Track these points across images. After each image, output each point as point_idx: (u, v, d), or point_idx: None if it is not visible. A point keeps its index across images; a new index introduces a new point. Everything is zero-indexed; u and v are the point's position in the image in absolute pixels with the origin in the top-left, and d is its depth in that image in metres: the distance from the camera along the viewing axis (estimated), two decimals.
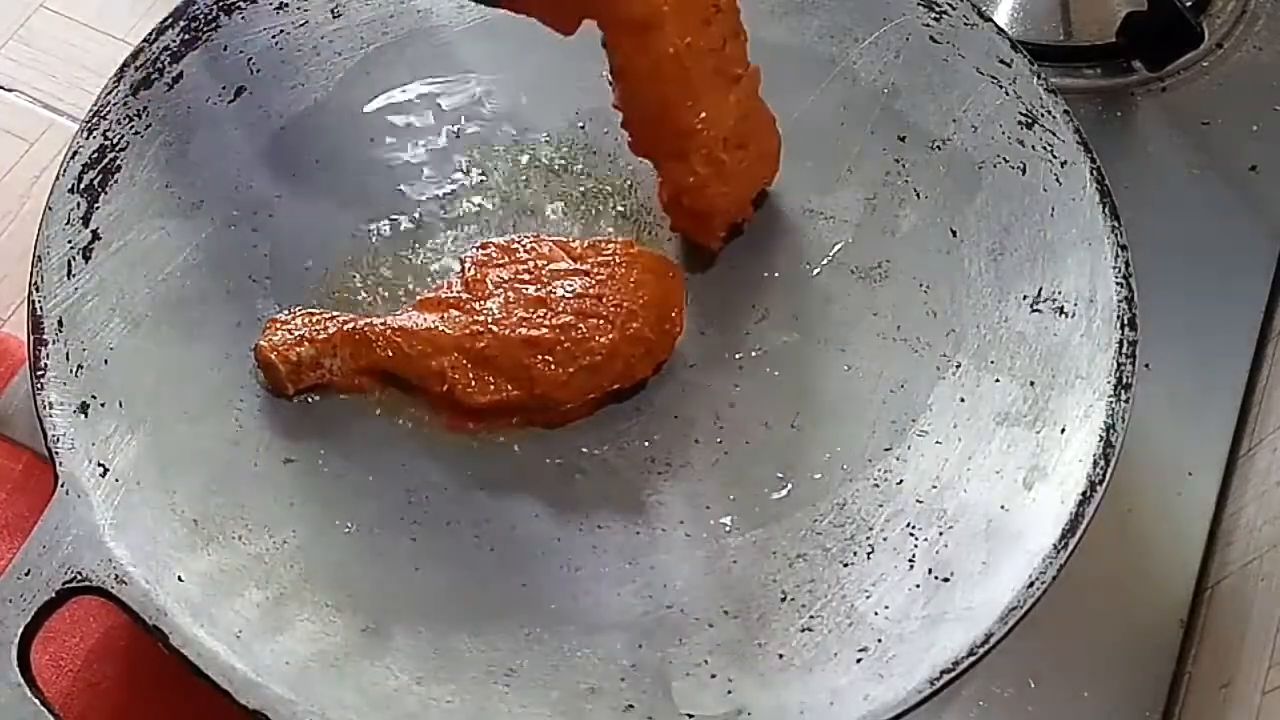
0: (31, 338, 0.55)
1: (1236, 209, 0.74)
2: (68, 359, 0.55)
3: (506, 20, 0.66)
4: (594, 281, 0.57)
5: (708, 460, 0.57)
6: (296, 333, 0.56)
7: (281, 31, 0.65)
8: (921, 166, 0.63)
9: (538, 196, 0.63)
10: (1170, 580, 0.63)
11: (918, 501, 0.55)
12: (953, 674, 0.50)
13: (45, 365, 0.55)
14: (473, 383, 0.56)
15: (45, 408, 0.54)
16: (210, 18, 0.65)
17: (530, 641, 0.52)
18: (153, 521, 0.52)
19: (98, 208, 0.59)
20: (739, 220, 0.61)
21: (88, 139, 0.60)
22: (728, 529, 0.55)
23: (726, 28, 0.56)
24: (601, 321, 0.56)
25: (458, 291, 0.58)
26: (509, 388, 0.56)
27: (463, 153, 0.64)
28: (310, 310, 0.58)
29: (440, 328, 0.56)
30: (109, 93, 0.62)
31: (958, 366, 0.58)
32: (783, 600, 0.53)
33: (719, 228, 0.60)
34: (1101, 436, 0.55)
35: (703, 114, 0.56)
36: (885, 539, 0.54)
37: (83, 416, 0.54)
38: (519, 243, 0.59)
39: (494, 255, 0.59)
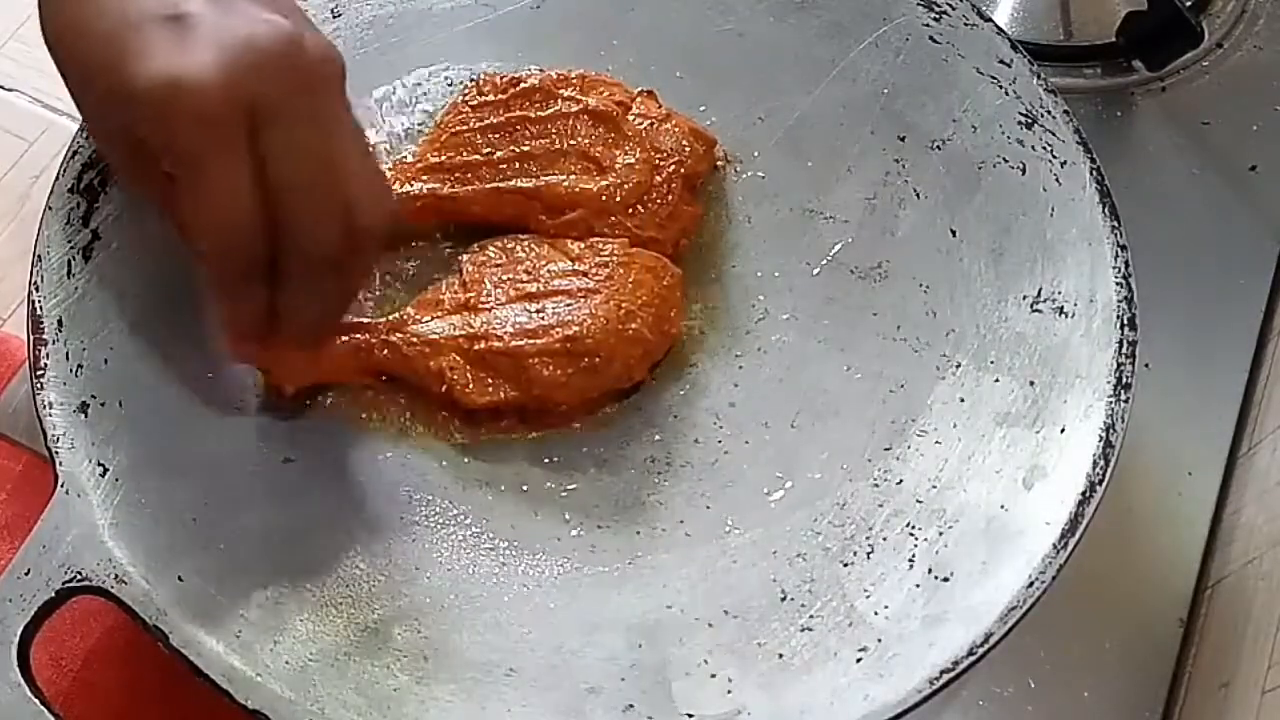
0: (31, 338, 0.55)
1: (1236, 209, 0.74)
2: (68, 359, 0.55)
3: (506, 21, 0.67)
4: (592, 282, 0.57)
5: (708, 460, 0.57)
6: None
7: None
8: (921, 166, 0.63)
9: None
10: (1170, 580, 0.63)
11: (918, 501, 0.55)
12: (953, 674, 0.50)
13: (45, 365, 0.55)
14: (471, 383, 0.56)
15: (45, 408, 0.54)
16: None
17: (530, 641, 0.52)
18: (153, 521, 0.52)
19: (98, 208, 0.59)
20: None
21: (88, 139, 0.60)
22: (728, 529, 0.55)
23: None
24: (600, 322, 0.56)
25: (456, 291, 0.58)
26: (507, 388, 0.56)
27: None
28: None
29: (439, 328, 0.56)
30: None
31: (958, 366, 0.58)
32: (782, 600, 0.53)
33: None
34: (1101, 436, 0.55)
35: None
36: (885, 539, 0.54)
37: (83, 416, 0.54)
38: (517, 243, 0.59)
39: (492, 255, 0.59)
